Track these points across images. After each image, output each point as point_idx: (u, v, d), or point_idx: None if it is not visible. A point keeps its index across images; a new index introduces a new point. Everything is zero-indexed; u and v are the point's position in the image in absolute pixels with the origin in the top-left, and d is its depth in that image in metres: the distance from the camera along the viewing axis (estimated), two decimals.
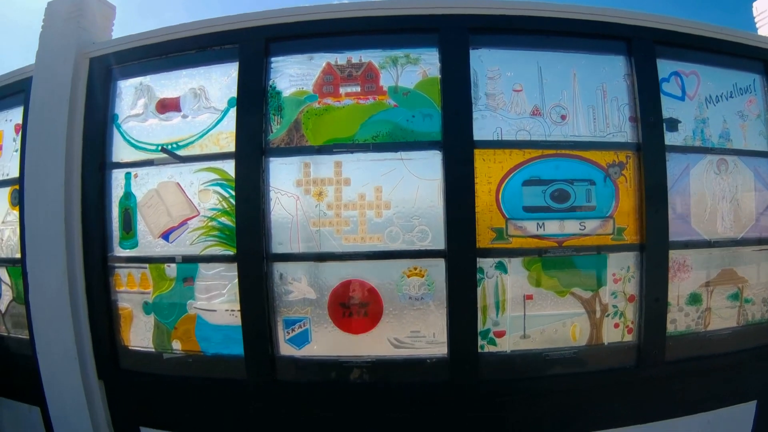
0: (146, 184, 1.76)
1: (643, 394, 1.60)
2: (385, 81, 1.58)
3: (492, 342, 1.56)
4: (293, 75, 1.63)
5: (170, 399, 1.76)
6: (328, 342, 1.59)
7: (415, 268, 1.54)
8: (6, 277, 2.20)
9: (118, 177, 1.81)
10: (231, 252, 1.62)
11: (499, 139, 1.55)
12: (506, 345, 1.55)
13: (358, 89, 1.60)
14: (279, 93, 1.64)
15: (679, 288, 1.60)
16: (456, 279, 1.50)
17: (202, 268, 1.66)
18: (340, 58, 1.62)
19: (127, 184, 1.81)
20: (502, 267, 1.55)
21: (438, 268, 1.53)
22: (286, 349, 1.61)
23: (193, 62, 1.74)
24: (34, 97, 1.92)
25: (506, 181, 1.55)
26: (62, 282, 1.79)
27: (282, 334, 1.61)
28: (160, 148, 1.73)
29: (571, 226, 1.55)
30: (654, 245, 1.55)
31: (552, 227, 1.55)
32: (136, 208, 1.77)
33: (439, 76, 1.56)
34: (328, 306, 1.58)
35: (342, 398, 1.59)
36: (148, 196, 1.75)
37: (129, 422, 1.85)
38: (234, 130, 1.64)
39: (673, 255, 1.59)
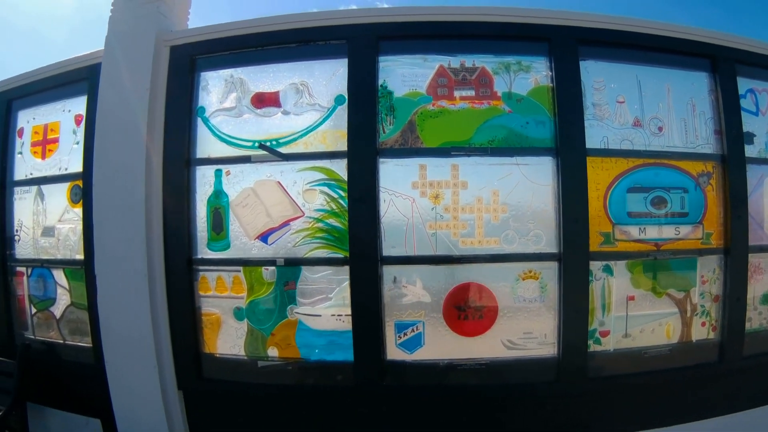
0: (240, 182, 1.61)
1: (724, 387, 1.67)
2: (499, 86, 1.56)
3: (597, 341, 1.58)
4: (405, 75, 1.56)
5: (262, 408, 1.62)
6: (441, 345, 1.53)
7: (530, 271, 1.52)
8: (63, 280, 1.95)
9: (206, 174, 1.65)
10: (341, 255, 1.53)
11: (606, 147, 1.59)
12: (610, 344, 1.58)
13: (473, 93, 1.56)
14: (390, 93, 1.56)
15: (754, 289, 1.71)
16: (569, 281, 1.51)
17: (306, 271, 1.56)
18: (453, 61, 1.57)
19: (218, 182, 1.64)
20: (608, 270, 1.57)
21: (551, 271, 1.53)
22: (396, 354, 1.54)
23: (294, 56, 1.61)
24: (104, 87, 1.71)
25: (613, 187, 1.57)
26: (142, 286, 1.60)
27: (393, 338, 1.54)
28: (258, 144, 1.60)
29: (668, 231, 1.61)
30: (737, 249, 1.64)
31: (652, 232, 1.59)
32: (228, 208, 1.62)
33: (550, 84, 1.57)
34: (443, 309, 1.52)
35: (453, 400, 1.54)
36: (243, 195, 1.60)
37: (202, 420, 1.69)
38: (342, 129, 1.55)
39: (750, 258, 1.68)
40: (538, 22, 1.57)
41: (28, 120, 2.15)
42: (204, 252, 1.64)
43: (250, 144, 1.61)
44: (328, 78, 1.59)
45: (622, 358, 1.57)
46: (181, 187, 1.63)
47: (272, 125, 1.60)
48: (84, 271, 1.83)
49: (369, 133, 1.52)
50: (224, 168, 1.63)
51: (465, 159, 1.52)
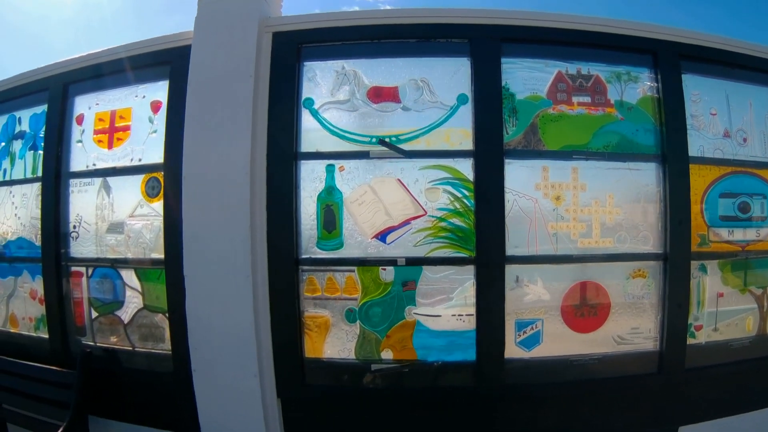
0: (355, 178, 1.50)
1: None
2: (612, 95, 1.56)
3: (692, 335, 1.62)
4: (526, 79, 1.52)
5: (373, 413, 1.50)
6: (558, 342, 1.51)
7: (639, 270, 1.53)
8: (134, 281, 1.72)
9: (316, 169, 1.52)
10: (465, 254, 1.46)
11: (702, 155, 1.63)
12: (702, 337, 1.63)
13: (589, 100, 1.54)
14: (513, 95, 1.51)
15: None
16: (673, 279, 1.53)
17: (428, 271, 1.47)
18: (570, 68, 1.55)
19: (330, 178, 1.51)
20: (703, 269, 1.62)
21: (656, 270, 1.55)
22: (515, 352, 1.49)
23: (412, 52, 1.52)
24: (196, 72, 1.52)
25: (708, 192, 1.62)
26: (245, 288, 1.44)
27: (513, 337, 1.49)
28: (378, 140, 1.49)
29: (751, 233, 1.68)
30: None
31: (738, 234, 1.66)
32: (341, 205, 1.50)
33: (656, 95, 1.58)
34: (562, 307, 1.51)
35: (568, 394, 1.51)
36: (360, 192, 1.49)
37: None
38: (464, 128, 1.49)
39: None
40: (646, 36, 1.59)
41: (90, 106, 1.88)
42: (313, 251, 1.51)
43: (367, 139, 1.50)
44: (449, 76, 1.51)
45: (712, 350, 1.63)
46: (287, 182, 1.49)
47: (390, 121, 1.50)
48: (165, 271, 1.63)
49: (495, 134, 1.46)
50: (337, 163, 1.51)
51: (584, 162, 1.51)
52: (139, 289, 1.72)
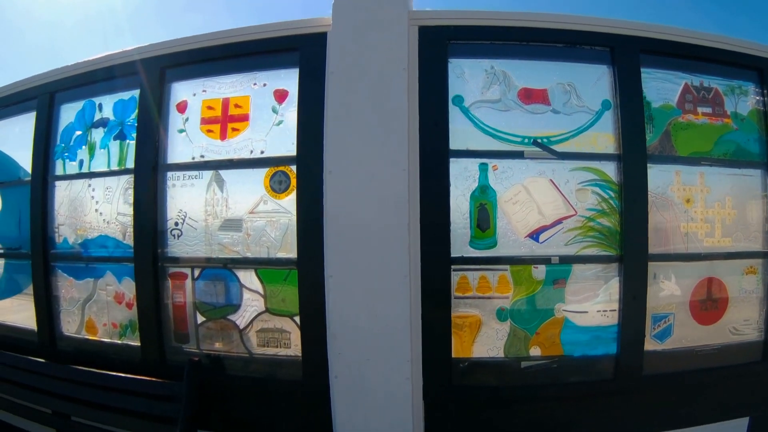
0: (509, 178, 1.44)
1: None
2: (728, 106, 1.62)
3: None
4: (659, 89, 1.54)
5: (520, 410, 1.44)
6: (685, 334, 1.54)
7: (751, 267, 1.61)
8: (254, 283, 1.54)
9: (468, 167, 1.44)
10: (611, 253, 1.45)
11: None
12: None
13: (711, 110, 1.59)
14: (649, 103, 1.53)
15: None
16: None
17: (577, 269, 1.45)
18: (694, 80, 1.59)
19: (483, 177, 1.44)
20: None
21: (764, 266, 1.63)
22: (650, 344, 1.50)
23: (558, 56, 1.49)
24: (339, 63, 1.39)
25: None
26: (402, 289, 1.34)
27: (649, 330, 1.50)
28: (532, 141, 1.43)
29: None
30: None
31: None
32: (495, 204, 1.44)
33: (761, 108, 1.67)
34: (690, 301, 1.54)
35: (695, 383, 1.52)
36: (514, 192, 1.44)
37: None
38: (608, 132, 1.48)
39: None
40: (752, 53, 1.68)
41: (194, 92, 1.67)
42: (466, 250, 1.44)
43: (519, 139, 1.46)
44: (593, 82, 1.50)
45: None
46: (440, 180, 1.40)
47: (541, 122, 1.46)
48: (297, 272, 1.46)
49: (639, 140, 1.47)
50: (491, 162, 1.45)
51: (708, 168, 1.57)
52: (261, 291, 1.55)
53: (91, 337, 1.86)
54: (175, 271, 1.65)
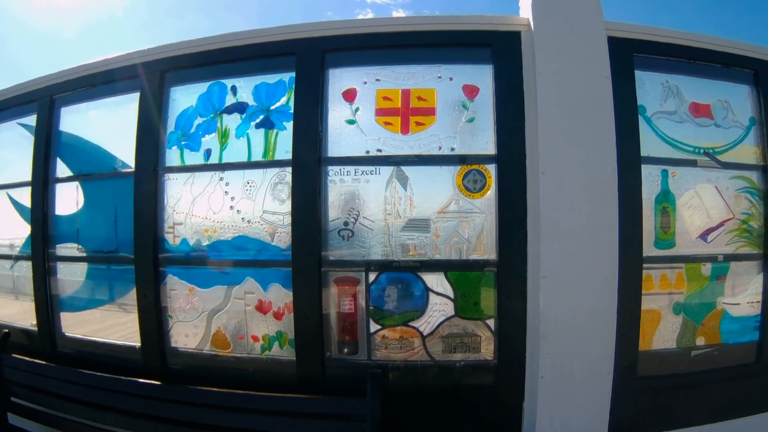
0: (684, 184, 1.49)
1: None
2: None
3: None
4: None
5: (692, 396, 1.47)
6: None
7: None
8: (444, 286, 1.39)
9: (651, 173, 1.46)
10: (757, 251, 1.54)
11: None
12: None
13: None
14: None
15: None
16: None
17: (733, 266, 1.52)
18: None
19: (665, 182, 1.47)
20: None
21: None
22: None
23: (717, 75, 1.54)
24: (542, 63, 1.30)
25: None
26: (609, 286, 1.30)
27: None
28: (703, 151, 1.46)
29: None
30: None
31: None
32: (675, 207, 1.45)
33: None
34: None
35: None
36: (688, 197, 1.48)
37: (632, 430, 1.42)
38: (753, 146, 1.57)
39: None
40: None
41: (365, 80, 1.47)
42: (652, 250, 1.45)
43: (691, 149, 1.51)
44: (741, 100, 1.61)
45: None
46: (634, 184, 1.39)
47: (707, 134, 1.53)
48: (496, 274, 1.36)
49: None
50: (670, 169, 1.47)
51: None
52: (451, 295, 1.41)
53: (221, 353, 1.57)
54: (343, 275, 1.44)
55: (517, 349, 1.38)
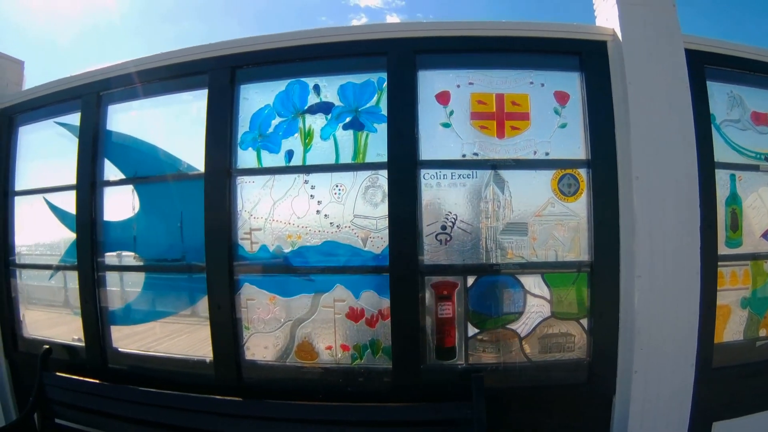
0: (748, 187, 1.55)
1: None
2: None
3: None
4: None
5: (759, 381, 1.54)
6: None
7: None
8: (541, 288, 1.36)
9: (721, 177, 1.51)
10: None
11: None
12: None
13: None
14: None
15: None
16: None
17: None
18: None
19: (733, 186, 1.52)
20: None
21: None
22: None
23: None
24: (633, 72, 1.32)
25: None
26: (693, 282, 1.32)
27: None
28: (764, 157, 1.53)
29: None
30: None
31: None
32: (741, 209, 1.50)
33: None
34: None
35: None
36: (753, 199, 1.55)
37: (706, 418, 1.48)
38: None
39: None
40: None
41: (458, 84, 1.42)
42: (723, 249, 1.49)
43: (754, 155, 1.58)
44: None
45: None
46: (710, 188, 1.44)
47: (764, 141, 1.61)
48: (590, 274, 1.35)
49: None
50: (737, 173, 1.53)
51: None
52: (547, 296, 1.39)
53: (306, 364, 1.45)
54: (441, 280, 1.38)
55: (609, 346, 1.38)
